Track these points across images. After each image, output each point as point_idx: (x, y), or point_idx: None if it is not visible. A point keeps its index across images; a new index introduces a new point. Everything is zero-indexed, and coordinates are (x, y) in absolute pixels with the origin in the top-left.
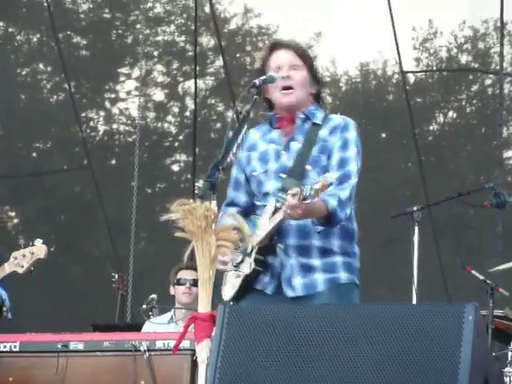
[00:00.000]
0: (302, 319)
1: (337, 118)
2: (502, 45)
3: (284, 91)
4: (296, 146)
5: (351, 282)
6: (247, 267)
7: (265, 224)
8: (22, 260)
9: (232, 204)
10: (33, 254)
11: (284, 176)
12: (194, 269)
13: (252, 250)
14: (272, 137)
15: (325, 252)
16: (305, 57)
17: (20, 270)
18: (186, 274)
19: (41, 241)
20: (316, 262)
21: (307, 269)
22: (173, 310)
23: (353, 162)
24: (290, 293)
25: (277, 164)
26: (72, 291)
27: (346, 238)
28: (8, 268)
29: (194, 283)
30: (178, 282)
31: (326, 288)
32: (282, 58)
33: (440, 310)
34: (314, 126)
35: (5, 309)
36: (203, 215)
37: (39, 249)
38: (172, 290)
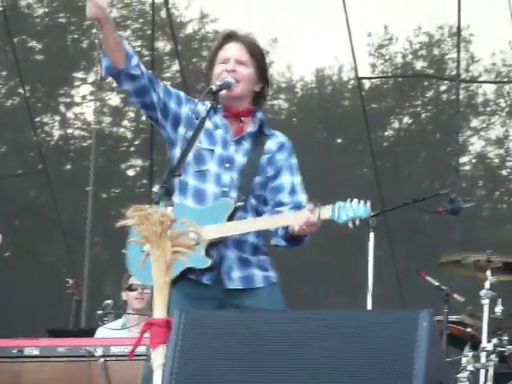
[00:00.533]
0: (257, 324)
1: (281, 135)
2: (458, 51)
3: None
4: (246, 146)
5: (278, 282)
6: (196, 261)
7: (224, 222)
8: None
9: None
10: None
11: (228, 165)
12: None
13: (199, 244)
14: (217, 122)
15: (256, 249)
16: (254, 53)
17: None
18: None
19: None
20: (250, 257)
21: (244, 263)
22: (124, 316)
23: (302, 190)
24: (229, 284)
25: (224, 152)
26: (27, 296)
27: (265, 239)
28: None
29: (145, 288)
30: (130, 288)
31: (264, 285)
32: (231, 50)
33: (394, 316)
34: (261, 134)
35: None
36: (159, 221)
37: None
38: (124, 296)
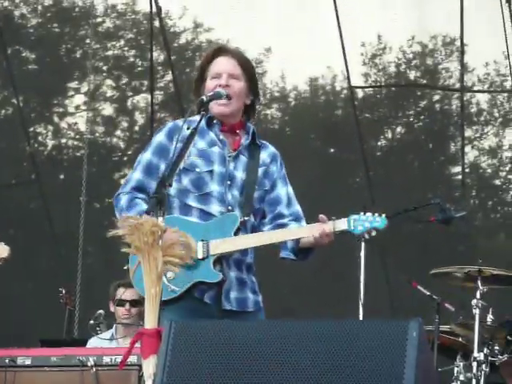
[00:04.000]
0: (245, 334)
1: (270, 146)
2: (462, 62)
3: (219, 101)
4: (243, 159)
5: (263, 307)
6: (207, 274)
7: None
8: None
9: (141, 189)
10: None
11: (229, 183)
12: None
13: (208, 257)
14: (212, 138)
15: (250, 268)
16: (246, 67)
17: None
18: (125, 295)
19: (2, 243)
20: (246, 277)
21: (241, 284)
22: (114, 326)
23: (296, 200)
24: (226, 305)
25: (223, 169)
26: (20, 306)
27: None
28: None
29: (134, 303)
30: (118, 303)
31: (254, 310)
32: (223, 65)
33: (384, 326)
34: (254, 145)
35: None
36: (150, 231)
37: (1, 249)
38: (111, 307)
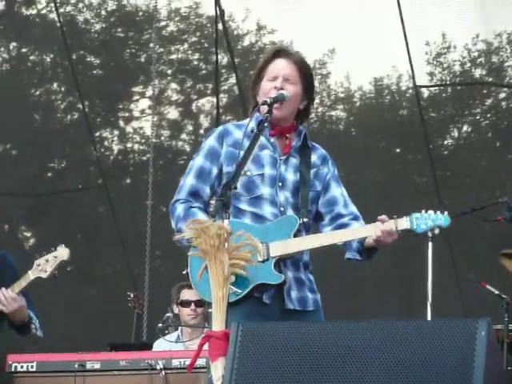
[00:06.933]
0: (314, 335)
1: (321, 148)
2: None
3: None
4: (294, 162)
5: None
6: (269, 276)
7: (292, 238)
8: (45, 265)
9: (196, 194)
10: (56, 257)
11: (280, 185)
12: None
13: (268, 259)
14: (262, 142)
15: (306, 266)
16: (304, 71)
17: (44, 275)
18: (189, 295)
19: (63, 245)
20: (303, 275)
21: (299, 283)
22: (180, 329)
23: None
24: (289, 304)
25: (274, 171)
26: (88, 311)
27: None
28: (32, 274)
29: (199, 303)
30: (182, 303)
31: (313, 309)
32: (280, 68)
33: (452, 325)
34: (305, 148)
35: (33, 326)
36: (216, 234)
37: (62, 251)
38: (176, 309)
